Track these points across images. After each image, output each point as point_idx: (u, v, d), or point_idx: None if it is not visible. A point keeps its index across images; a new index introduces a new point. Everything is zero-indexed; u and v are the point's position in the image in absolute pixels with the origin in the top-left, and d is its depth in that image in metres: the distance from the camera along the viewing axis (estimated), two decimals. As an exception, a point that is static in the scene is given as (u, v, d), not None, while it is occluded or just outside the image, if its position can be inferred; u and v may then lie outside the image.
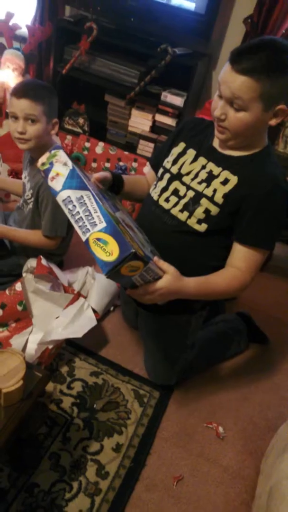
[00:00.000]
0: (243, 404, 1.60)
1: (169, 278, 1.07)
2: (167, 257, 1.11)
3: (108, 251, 0.91)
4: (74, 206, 0.98)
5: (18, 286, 1.54)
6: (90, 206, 0.97)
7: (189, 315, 1.42)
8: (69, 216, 0.99)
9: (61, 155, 1.05)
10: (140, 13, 2.25)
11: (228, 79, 1.07)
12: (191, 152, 1.27)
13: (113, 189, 1.32)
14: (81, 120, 2.59)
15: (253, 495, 1.32)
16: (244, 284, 1.22)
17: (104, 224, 0.93)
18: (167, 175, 1.30)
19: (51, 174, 1.04)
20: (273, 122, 1.13)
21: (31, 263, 1.65)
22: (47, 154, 1.07)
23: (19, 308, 1.53)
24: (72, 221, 0.98)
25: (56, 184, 1.02)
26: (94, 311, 1.64)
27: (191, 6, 2.15)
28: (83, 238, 0.94)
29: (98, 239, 0.92)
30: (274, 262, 2.28)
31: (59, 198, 1.01)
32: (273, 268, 2.28)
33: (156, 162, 1.41)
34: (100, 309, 1.72)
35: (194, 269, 1.19)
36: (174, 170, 1.28)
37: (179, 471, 1.36)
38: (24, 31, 2.47)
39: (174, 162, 1.29)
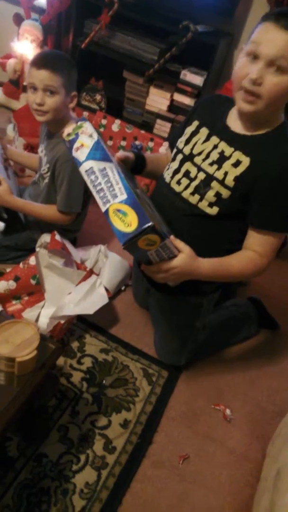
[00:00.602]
0: (251, 388, 1.60)
1: (184, 257, 1.06)
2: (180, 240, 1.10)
3: (127, 222, 0.91)
4: (97, 177, 0.98)
5: (32, 260, 1.54)
6: (112, 178, 0.96)
7: (201, 297, 1.40)
8: (90, 186, 0.98)
9: (87, 126, 1.05)
10: (163, -13, 2.19)
11: (272, 36, 0.99)
12: (204, 131, 1.22)
13: (135, 168, 1.30)
14: (98, 97, 2.55)
15: (258, 477, 1.32)
16: (260, 267, 1.20)
17: (125, 196, 0.93)
18: (179, 156, 1.26)
19: (76, 145, 1.04)
20: None
21: (45, 238, 1.64)
22: (73, 125, 1.06)
23: (33, 282, 1.53)
24: (94, 191, 0.97)
25: (80, 154, 1.02)
26: (106, 289, 1.64)
27: (216, -18, 2.09)
28: (103, 209, 0.94)
29: (118, 210, 0.92)
30: (288, 248, 2.25)
31: (82, 169, 1.00)
32: (287, 255, 2.25)
33: (172, 142, 1.37)
34: (111, 288, 1.72)
35: (206, 253, 1.16)
36: (187, 150, 1.24)
37: (185, 450, 1.36)
38: (42, 1, 2.41)
39: (187, 142, 1.25)
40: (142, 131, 2.33)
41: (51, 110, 1.51)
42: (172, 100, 2.38)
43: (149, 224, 0.90)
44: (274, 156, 1.10)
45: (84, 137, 1.04)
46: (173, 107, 2.40)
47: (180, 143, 1.27)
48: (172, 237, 1.04)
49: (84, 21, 2.40)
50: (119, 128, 2.34)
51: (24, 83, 2.34)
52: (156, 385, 1.50)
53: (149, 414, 1.41)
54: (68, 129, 1.06)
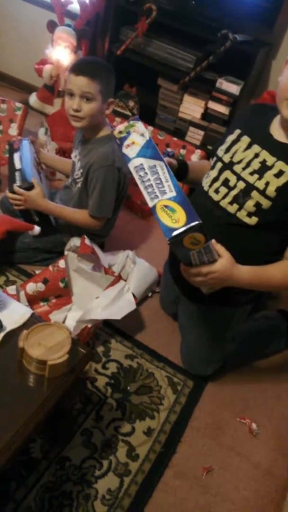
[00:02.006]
0: (278, 403, 1.56)
1: (224, 262, 1.05)
2: None
3: (175, 218, 0.92)
4: (146, 173, 0.99)
5: (61, 263, 1.55)
6: (162, 175, 0.98)
7: (233, 308, 1.38)
8: (138, 182, 0.99)
9: (140, 126, 1.07)
10: (202, -4, 2.19)
11: None
12: (245, 139, 1.21)
13: (177, 175, 1.30)
14: (131, 103, 2.56)
15: (283, 495, 1.29)
16: None
17: (174, 193, 0.94)
18: (219, 164, 1.25)
19: (126, 142, 1.05)
20: None
21: (74, 241, 1.66)
22: (125, 124, 1.08)
23: (61, 285, 1.54)
24: (142, 187, 0.98)
25: (131, 151, 1.03)
26: (133, 295, 1.63)
27: (256, -9, 2.07)
28: (150, 204, 0.96)
29: (166, 206, 0.94)
30: None
31: (131, 165, 1.02)
32: None
33: (214, 151, 1.36)
34: (138, 294, 1.72)
35: (244, 263, 1.15)
36: (226, 158, 1.23)
37: (209, 462, 1.34)
38: (76, 7, 2.44)
39: (227, 150, 1.24)
40: (175, 138, 2.33)
41: (87, 116, 1.52)
42: (206, 108, 2.37)
43: (198, 222, 0.91)
44: None
45: (135, 136, 1.05)
46: (207, 115, 2.38)
47: (220, 151, 1.26)
48: (213, 241, 1.03)
49: (121, 28, 2.42)
50: (151, 135, 2.34)
51: (60, 89, 2.38)
52: (181, 394, 1.48)
53: (173, 423, 1.40)
54: (120, 127, 1.08)
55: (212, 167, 1.28)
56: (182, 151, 2.30)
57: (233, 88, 2.20)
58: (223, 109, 2.29)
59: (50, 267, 1.56)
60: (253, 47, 2.16)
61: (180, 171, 1.33)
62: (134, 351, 1.57)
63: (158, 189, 0.96)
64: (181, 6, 2.32)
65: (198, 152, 2.31)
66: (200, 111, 2.39)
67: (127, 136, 1.06)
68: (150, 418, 1.39)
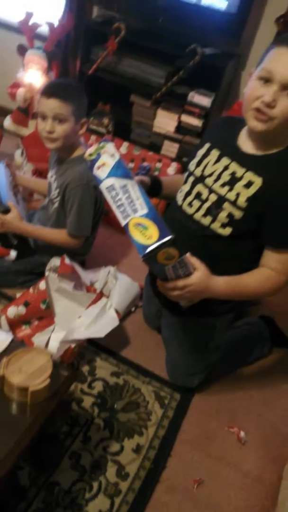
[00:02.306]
0: (265, 409, 1.58)
1: (199, 274, 1.07)
2: None
3: (148, 235, 0.94)
4: (117, 193, 1.01)
5: (42, 284, 1.55)
6: (133, 194, 1.00)
7: (214, 318, 1.40)
8: (110, 202, 1.01)
9: (109, 147, 1.08)
10: (169, 13, 2.23)
11: (287, 61, 1.02)
12: (215, 153, 1.24)
13: (151, 192, 1.32)
14: (105, 120, 2.59)
15: (274, 502, 1.30)
16: (279, 285, 1.20)
17: (146, 210, 0.97)
18: (191, 178, 1.28)
19: (97, 164, 1.07)
20: None
21: (55, 261, 1.66)
22: (95, 146, 1.10)
23: (43, 306, 1.54)
24: (114, 207, 1.00)
25: (102, 172, 1.05)
26: (116, 311, 1.64)
27: (222, 5, 2.12)
28: (123, 223, 0.97)
29: (139, 224, 0.96)
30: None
31: (103, 186, 1.03)
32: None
33: (186, 165, 1.39)
34: (121, 309, 1.72)
35: (222, 272, 1.17)
36: (198, 172, 1.26)
37: (199, 474, 1.34)
38: (45, 29, 2.47)
39: (198, 164, 1.27)
40: (150, 153, 2.36)
41: (60, 137, 1.54)
42: (179, 121, 2.40)
43: (170, 237, 0.93)
44: (285, 176, 1.12)
45: (105, 157, 1.07)
46: (181, 128, 2.42)
47: (192, 165, 1.29)
48: (188, 254, 1.05)
49: (91, 47, 2.46)
50: (127, 150, 2.37)
51: (34, 111, 2.40)
52: (169, 408, 1.49)
53: (162, 438, 1.40)
54: (90, 150, 1.09)
55: (185, 182, 1.31)
56: (158, 165, 2.33)
57: (205, 101, 2.24)
58: (196, 122, 2.32)
59: (31, 289, 1.56)
60: (222, 59, 2.21)
61: (154, 188, 1.35)
62: (119, 368, 1.58)
63: (130, 207, 0.97)
64: (149, 24, 2.37)
65: (174, 164, 2.34)
66: (173, 125, 2.42)
67: (98, 158, 1.08)
68: (138, 435, 1.39)
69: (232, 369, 1.66)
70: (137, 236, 0.95)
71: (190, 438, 1.43)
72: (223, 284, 1.15)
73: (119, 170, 1.04)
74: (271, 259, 1.19)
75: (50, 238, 1.68)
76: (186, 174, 1.32)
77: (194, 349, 1.47)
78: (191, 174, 1.29)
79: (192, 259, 1.07)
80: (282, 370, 1.73)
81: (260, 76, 1.07)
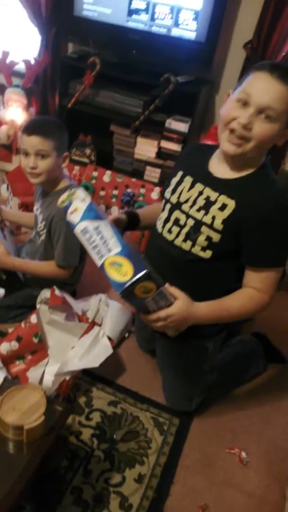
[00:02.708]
0: (265, 427, 1.57)
1: (180, 304, 1.08)
2: (177, 287, 1.14)
3: (123, 272, 0.96)
4: (91, 235, 1.04)
5: (33, 318, 1.55)
6: (106, 234, 1.03)
7: (206, 340, 1.41)
8: (86, 244, 1.04)
9: (80, 193, 1.12)
10: (142, 45, 2.33)
11: (265, 86, 1.05)
12: (188, 179, 1.27)
13: (129, 227, 1.36)
14: (88, 151, 2.64)
15: (280, 522, 1.28)
16: (262, 304, 1.22)
17: (119, 248, 0.99)
18: (168, 206, 1.31)
19: (70, 210, 1.10)
20: (282, 141, 1.14)
21: (45, 294, 1.67)
22: (66, 193, 1.13)
23: (35, 340, 1.54)
24: (89, 249, 1.03)
25: (75, 217, 1.08)
26: (109, 338, 1.64)
27: (192, 35, 2.22)
28: (99, 263, 1.00)
29: (113, 262, 0.98)
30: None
31: (77, 230, 1.06)
32: (287, 285, 2.27)
33: (163, 192, 1.42)
34: (115, 336, 1.73)
35: (206, 294, 1.19)
36: (174, 199, 1.29)
37: (204, 499, 1.33)
38: (22, 66, 2.55)
39: (173, 191, 1.30)
40: (133, 179, 2.41)
41: (44, 172, 1.57)
42: (159, 147, 2.47)
43: (144, 271, 0.95)
44: (259, 197, 1.15)
45: (77, 202, 1.10)
46: (161, 153, 2.49)
47: (167, 193, 1.33)
48: (167, 285, 1.07)
49: (69, 82, 2.53)
50: (110, 178, 2.41)
51: (18, 146, 2.45)
52: (168, 434, 1.48)
53: (164, 465, 1.38)
54: (62, 197, 1.12)
55: (163, 209, 1.34)
56: (142, 190, 2.38)
57: (182, 127, 2.31)
58: (175, 147, 2.39)
59: (22, 324, 1.56)
60: (195, 86, 2.30)
61: (131, 222, 1.38)
62: (116, 397, 1.57)
63: (104, 247, 1.00)
64: (123, 56, 2.47)
65: (157, 189, 2.38)
66: (154, 151, 2.49)
67: (70, 204, 1.12)
68: (139, 464, 1.37)
69: (230, 389, 1.66)
70: (113, 274, 0.97)
71: (192, 463, 1.42)
72: (205, 308, 1.16)
73: (91, 213, 1.07)
74: (252, 278, 1.21)
75: (39, 271, 1.69)
76: (163, 202, 1.36)
77: (189, 373, 1.47)
78: (167, 201, 1.32)
79: (171, 289, 1.09)
80: (279, 386, 1.73)
81: (238, 98, 1.10)
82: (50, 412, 0.99)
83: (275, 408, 1.64)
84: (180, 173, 1.31)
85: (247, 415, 1.60)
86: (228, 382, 1.65)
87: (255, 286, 1.20)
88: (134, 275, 0.95)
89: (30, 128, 1.55)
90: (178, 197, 1.28)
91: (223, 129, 1.14)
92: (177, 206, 1.27)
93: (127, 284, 0.95)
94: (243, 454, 1.46)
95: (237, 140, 1.10)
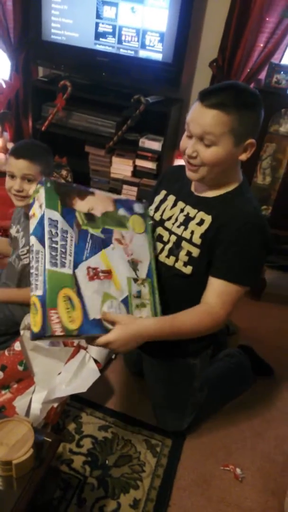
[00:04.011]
0: (258, 441, 1.56)
1: (117, 329, 1.07)
2: (163, 301, 1.16)
3: (35, 321, 0.94)
4: (32, 257, 1.00)
5: (17, 345, 1.52)
6: (40, 266, 0.97)
7: (193, 357, 1.41)
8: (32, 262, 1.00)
9: (41, 193, 1.03)
10: (111, 67, 2.36)
11: (198, 115, 1.10)
12: (171, 198, 1.32)
13: None
14: (64, 172, 2.65)
15: (280, 538, 1.27)
16: (216, 320, 1.20)
17: (40, 292, 0.95)
18: None
19: (31, 211, 1.06)
20: (243, 157, 1.16)
21: (28, 319, 1.63)
22: (34, 186, 1.08)
23: (20, 368, 1.50)
24: (32, 270, 0.99)
25: (31, 225, 1.03)
26: (96, 361, 1.61)
27: (158, 56, 2.26)
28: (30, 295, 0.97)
29: (33, 304, 0.95)
30: (269, 289, 2.30)
31: (30, 240, 1.02)
32: (269, 296, 2.30)
33: None
34: (101, 358, 1.70)
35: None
36: (157, 216, 1.33)
37: (202, 521, 1.31)
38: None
39: (156, 209, 1.34)
40: (110, 199, 2.41)
41: (29, 195, 1.56)
42: (135, 166, 2.49)
43: (44, 334, 0.91)
44: (232, 212, 1.18)
45: (37, 205, 1.04)
46: (137, 171, 2.51)
47: (150, 211, 1.35)
48: (103, 313, 1.06)
49: (42, 105, 2.54)
50: (88, 199, 2.41)
51: (1, 169, 2.43)
52: (161, 455, 1.45)
53: (159, 488, 1.36)
54: (31, 190, 1.07)
55: None
56: (120, 209, 2.38)
57: (155, 145, 2.34)
58: (150, 165, 2.42)
59: (6, 352, 1.52)
60: (165, 105, 2.35)
61: None
62: (106, 421, 1.54)
63: (34, 281, 0.97)
64: (93, 78, 2.50)
65: (135, 207, 2.39)
66: (130, 169, 2.51)
67: (32, 204, 1.06)
68: (134, 489, 1.34)
69: (220, 405, 1.65)
70: (30, 315, 0.95)
71: (187, 484, 1.40)
72: (154, 324, 1.15)
73: (39, 230, 1.00)
74: (211, 292, 1.20)
75: (21, 298, 1.66)
76: None
77: (179, 392, 1.46)
78: (151, 219, 1.33)
79: (107, 316, 1.07)
80: (268, 399, 1.73)
81: (186, 131, 1.16)
82: (39, 444, 0.96)
83: (266, 421, 1.64)
84: (163, 192, 1.35)
85: (239, 430, 1.59)
86: (218, 398, 1.64)
87: (211, 301, 1.19)
88: (39, 332, 0.92)
89: (19, 152, 1.54)
90: (161, 215, 1.32)
91: (184, 159, 1.20)
92: (160, 223, 1.31)
93: (34, 337, 0.94)
94: (238, 471, 1.44)
95: (193, 167, 1.17)
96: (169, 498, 1.34)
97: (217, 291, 1.20)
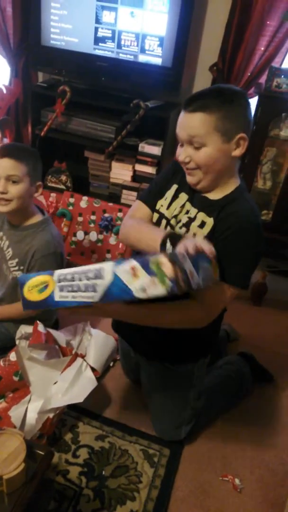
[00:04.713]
0: (257, 450, 1.54)
1: None
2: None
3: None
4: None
5: (12, 356, 1.51)
6: None
7: (190, 365, 1.39)
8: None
9: None
10: (110, 72, 2.35)
11: (183, 122, 1.14)
12: (183, 196, 1.26)
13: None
14: (63, 177, 2.64)
15: None
16: (199, 318, 1.18)
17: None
18: (164, 221, 1.28)
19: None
20: (237, 152, 1.14)
21: (25, 328, 1.62)
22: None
23: (15, 378, 1.49)
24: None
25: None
26: (93, 369, 1.60)
27: (158, 61, 2.25)
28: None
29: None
30: (270, 295, 2.27)
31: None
32: (270, 302, 2.27)
33: (149, 199, 1.34)
34: (99, 366, 1.68)
35: None
36: (169, 214, 1.27)
37: (199, 534, 1.29)
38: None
39: (168, 206, 1.28)
40: (110, 204, 2.40)
41: (15, 198, 1.52)
42: (134, 171, 2.48)
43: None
44: (230, 216, 1.16)
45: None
46: (137, 176, 2.50)
47: (161, 207, 1.30)
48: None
49: (41, 111, 2.53)
50: (87, 204, 2.40)
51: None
52: (159, 466, 1.43)
53: (156, 500, 1.34)
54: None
55: (158, 224, 1.29)
56: (119, 214, 2.37)
57: (155, 150, 2.33)
58: (150, 169, 2.41)
59: (1, 363, 1.51)
60: (165, 110, 2.33)
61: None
62: (103, 430, 1.52)
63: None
64: (92, 83, 2.49)
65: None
66: (129, 174, 2.50)
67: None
68: (131, 500, 1.33)
69: (218, 414, 1.63)
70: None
71: (185, 495, 1.38)
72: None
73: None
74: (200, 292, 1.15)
75: (14, 314, 1.64)
76: (156, 215, 1.30)
77: (176, 401, 1.44)
78: (162, 216, 1.28)
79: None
80: (268, 407, 1.71)
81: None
82: (31, 458, 0.94)
83: (266, 430, 1.62)
84: (175, 186, 1.29)
85: (238, 439, 1.57)
86: (217, 407, 1.62)
87: (199, 299, 1.16)
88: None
89: (4, 151, 1.51)
90: (172, 213, 1.26)
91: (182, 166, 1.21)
92: (168, 221, 1.27)
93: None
94: (237, 481, 1.42)
95: (190, 171, 1.18)
96: (166, 510, 1.32)
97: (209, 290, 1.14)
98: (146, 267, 0.85)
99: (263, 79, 2.23)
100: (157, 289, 0.84)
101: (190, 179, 1.20)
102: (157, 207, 1.31)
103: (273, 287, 2.30)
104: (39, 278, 0.97)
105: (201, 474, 1.44)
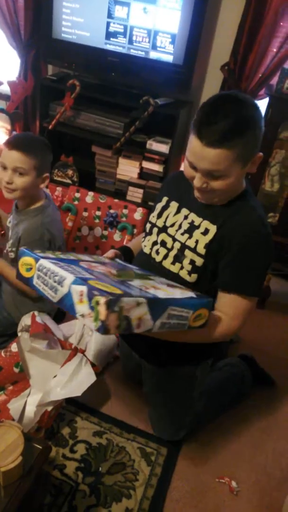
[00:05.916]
0: (255, 453, 1.53)
1: None
2: None
3: None
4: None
5: (13, 347, 1.50)
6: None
7: (194, 367, 1.39)
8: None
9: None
10: (120, 67, 2.34)
11: (201, 154, 1.05)
12: (174, 205, 1.30)
13: (126, 260, 1.37)
14: (70, 172, 2.62)
15: None
16: (228, 329, 1.19)
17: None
18: (155, 229, 1.32)
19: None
20: (253, 169, 1.14)
21: (26, 321, 1.61)
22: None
23: (16, 370, 1.48)
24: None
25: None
26: (93, 364, 1.59)
27: (169, 58, 2.24)
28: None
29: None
30: (274, 298, 2.26)
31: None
32: (273, 305, 2.26)
33: (147, 220, 1.42)
34: (99, 362, 1.67)
35: None
36: (160, 223, 1.31)
37: (194, 534, 1.28)
38: (6, 88, 2.54)
39: (159, 215, 1.32)
40: (116, 200, 2.39)
41: (19, 189, 1.52)
42: (141, 168, 2.47)
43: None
44: (238, 224, 1.16)
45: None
46: (143, 174, 2.48)
47: (153, 217, 1.34)
48: None
49: (49, 104, 2.52)
50: (93, 200, 2.39)
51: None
52: (156, 464, 1.42)
53: (151, 499, 1.33)
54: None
55: (150, 233, 1.34)
56: (125, 211, 2.36)
57: (163, 148, 2.31)
58: (157, 167, 2.39)
59: (2, 353, 1.50)
60: (174, 108, 2.31)
61: (126, 256, 1.39)
62: (101, 426, 1.51)
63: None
64: (102, 78, 2.48)
65: (140, 210, 2.36)
66: (136, 171, 2.48)
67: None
68: (126, 498, 1.32)
69: (218, 414, 1.62)
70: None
71: (181, 495, 1.37)
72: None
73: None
74: (223, 303, 1.19)
75: (10, 276, 1.62)
76: (148, 226, 1.36)
77: (177, 402, 1.43)
78: (154, 225, 1.33)
79: None
80: (268, 410, 1.69)
81: (188, 161, 1.12)
82: (29, 452, 0.94)
83: (265, 433, 1.61)
84: (165, 199, 1.33)
85: (236, 441, 1.56)
86: (216, 408, 1.61)
87: (225, 311, 1.19)
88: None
89: (13, 143, 1.51)
90: (164, 221, 1.29)
91: (190, 180, 1.17)
92: (164, 229, 1.29)
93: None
94: (234, 484, 1.41)
95: (203, 192, 1.15)
96: (161, 509, 1.32)
97: (230, 303, 1.19)
98: (90, 299, 0.86)
99: (274, 81, 2.21)
100: (91, 323, 0.86)
101: (203, 199, 1.18)
102: (149, 219, 1.35)
103: (277, 290, 2.29)
104: (29, 259, 1.02)
105: (198, 476, 1.43)
